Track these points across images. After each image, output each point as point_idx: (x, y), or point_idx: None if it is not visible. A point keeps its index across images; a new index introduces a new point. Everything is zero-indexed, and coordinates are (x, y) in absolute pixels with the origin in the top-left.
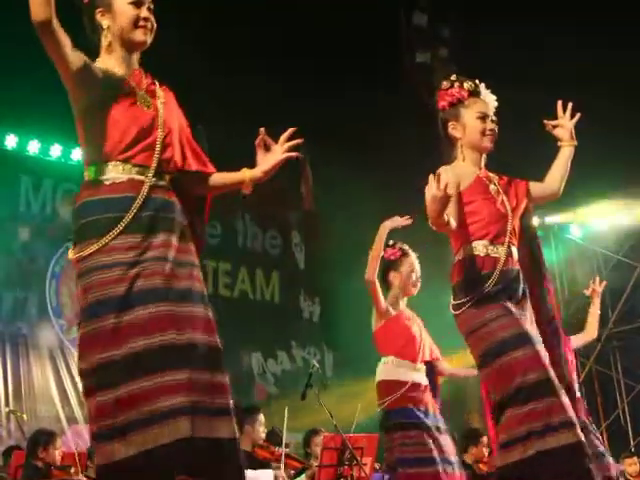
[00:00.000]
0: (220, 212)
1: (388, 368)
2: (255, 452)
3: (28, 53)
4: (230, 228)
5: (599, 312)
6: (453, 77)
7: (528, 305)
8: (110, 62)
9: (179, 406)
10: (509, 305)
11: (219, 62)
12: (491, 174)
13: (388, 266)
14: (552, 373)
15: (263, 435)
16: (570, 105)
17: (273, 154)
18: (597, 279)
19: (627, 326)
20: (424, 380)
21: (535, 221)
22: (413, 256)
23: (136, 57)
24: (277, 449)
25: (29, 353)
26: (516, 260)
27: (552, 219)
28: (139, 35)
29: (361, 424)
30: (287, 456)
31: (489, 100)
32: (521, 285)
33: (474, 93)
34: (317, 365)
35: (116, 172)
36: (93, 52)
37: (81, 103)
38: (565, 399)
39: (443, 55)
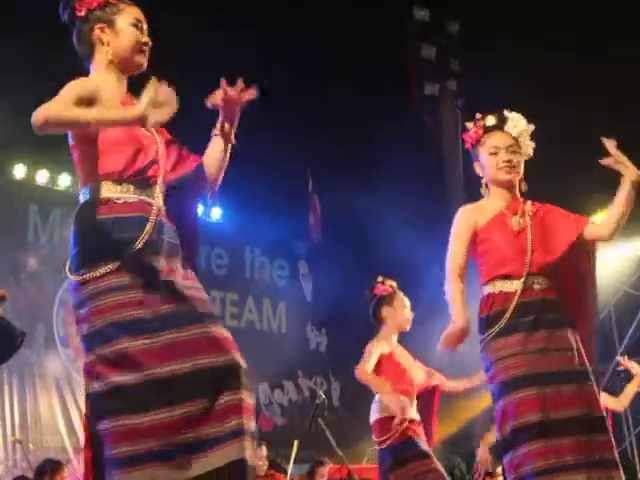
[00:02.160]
0: (227, 242)
1: (382, 406)
2: None
3: (37, 82)
4: (237, 258)
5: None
6: (478, 115)
7: (556, 334)
8: (110, 80)
9: (236, 428)
10: (527, 339)
11: None
12: (527, 205)
13: (380, 302)
14: (562, 414)
15: (264, 468)
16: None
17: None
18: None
19: (635, 358)
20: (417, 415)
21: None
22: (402, 294)
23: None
24: (282, 476)
25: (35, 382)
26: (541, 290)
27: None
28: (140, 58)
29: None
30: None
31: (512, 129)
32: (549, 315)
33: (491, 128)
34: (324, 396)
35: (126, 192)
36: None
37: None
38: (582, 438)
39: (452, 88)
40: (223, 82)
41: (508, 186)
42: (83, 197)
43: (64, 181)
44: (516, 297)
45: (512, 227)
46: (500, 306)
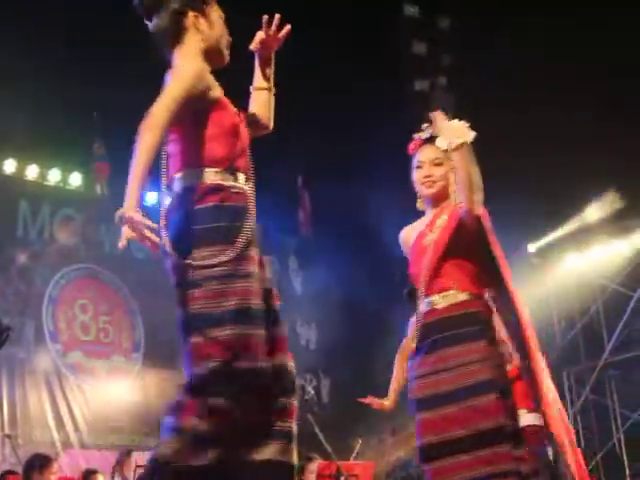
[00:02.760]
0: None
1: None
2: None
3: (27, 79)
4: None
5: None
6: (424, 126)
7: (448, 353)
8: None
9: (287, 431)
10: (424, 361)
11: None
12: (440, 220)
13: None
14: (459, 432)
15: None
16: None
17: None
18: None
19: (623, 355)
20: None
21: (532, 248)
22: None
23: None
24: None
25: (25, 377)
26: (444, 308)
27: (548, 246)
28: (227, 54)
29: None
30: None
31: (442, 142)
32: (447, 333)
33: (427, 141)
34: (312, 392)
35: (229, 180)
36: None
37: (199, 103)
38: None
39: (442, 84)
40: (265, 19)
41: (432, 200)
42: (187, 181)
43: (54, 176)
44: (422, 318)
45: (425, 245)
46: (417, 325)
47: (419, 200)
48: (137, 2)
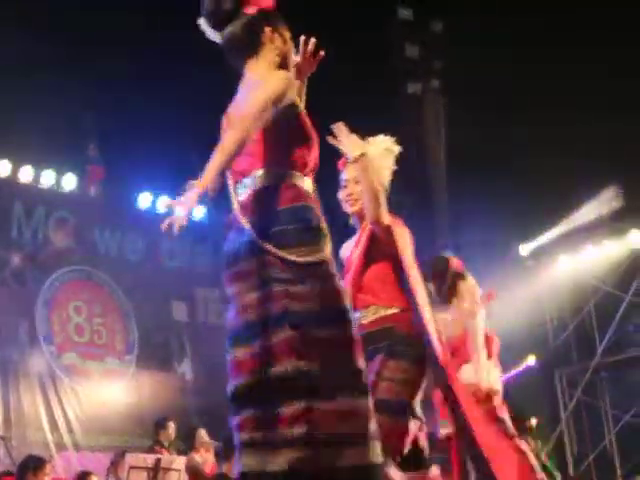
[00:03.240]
0: (211, 239)
1: None
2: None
3: (24, 80)
4: (221, 256)
5: None
6: None
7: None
8: None
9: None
10: None
11: None
12: (363, 237)
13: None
14: None
15: None
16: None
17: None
18: None
19: (615, 357)
20: None
21: (524, 250)
22: None
23: None
24: None
25: (19, 379)
26: (369, 323)
27: (541, 248)
28: (293, 72)
29: None
30: None
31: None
32: (370, 348)
33: (349, 161)
34: None
35: (308, 183)
36: None
37: (287, 109)
38: None
39: (435, 87)
40: (302, 40)
41: (358, 218)
42: (269, 180)
43: (48, 179)
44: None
45: (352, 262)
46: None
47: (350, 218)
48: (212, 10)
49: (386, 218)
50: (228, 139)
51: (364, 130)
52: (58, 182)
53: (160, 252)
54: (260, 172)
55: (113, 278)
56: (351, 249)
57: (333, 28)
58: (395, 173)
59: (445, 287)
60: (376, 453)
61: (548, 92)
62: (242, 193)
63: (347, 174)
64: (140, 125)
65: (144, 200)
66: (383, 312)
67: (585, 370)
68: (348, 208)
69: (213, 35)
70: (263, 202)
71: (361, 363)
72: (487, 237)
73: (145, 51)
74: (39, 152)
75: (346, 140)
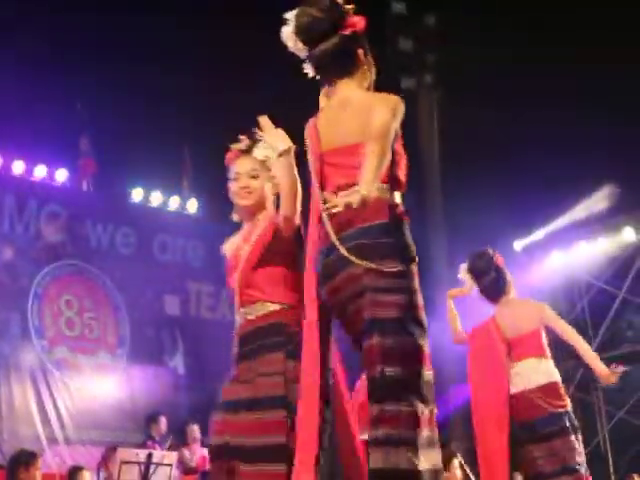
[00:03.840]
0: (204, 234)
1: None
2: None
3: (12, 74)
4: (214, 250)
5: None
6: (241, 137)
7: (254, 363)
8: None
9: None
10: (238, 373)
11: None
12: (256, 230)
13: (504, 271)
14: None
15: None
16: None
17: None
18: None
19: (609, 353)
20: None
21: (518, 245)
22: None
23: None
24: None
25: (10, 373)
26: (256, 318)
27: (534, 244)
28: None
29: None
30: None
31: (259, 153)
32: (255, 344)
33: (243, 152)
34: None
35: (400, 202)
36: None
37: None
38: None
39: (428, 81)
40: None
41: (247, 212)
42: (386, 195)
43: (40, 172)
44: (238, 330)
45: (237, 257)
46: (235, 337)
47: (235, 212)
48: (307, 27)
49: (297, 216)
50: (377, 159)
51: None
52: (50, 176)
53: (152, 246)
54: (388, 189)
55: (105, 272)
56: (237, 245)
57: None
58: None
59: (497, 281)
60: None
61: (543, 87)
62: (341, 203)
63: (240, 167)
64: (132, 119)
65: (137, 194)
66: (272, 308)
67: (579, 366)
68: (240, 201)
69: (296, 46)
70: (363, 216)
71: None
72: (481, 233)
73: (141, 46)
74: (31, 146)
75: (271, 133)
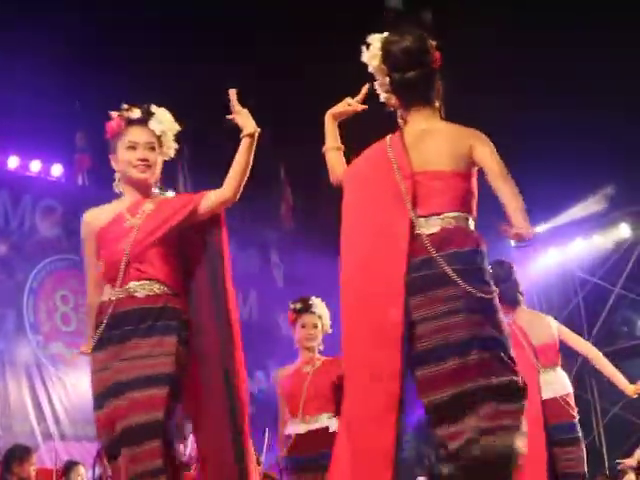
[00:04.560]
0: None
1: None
2: None
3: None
4: None
5: None
6: (124, 106)
7: (142, 343)
8: None
9: None
10: (109, 356)
11: None
12: (147, 204)
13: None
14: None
15: None
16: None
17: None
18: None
19: (603, 349)
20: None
21: (513, 243)
22: (315, 307)
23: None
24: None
25: (5, 368)
26: (137, 298)
27: (530, 241)
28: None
29: None
30: (265, 476)
31: (156, 126)
32: (134, 326)
33: (135, 121)
34: None
35: None
36: None
37: None
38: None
39: None
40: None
41: (140, 185)
42: (463, 222)
43: (36, 167)
44: (114, 305)
45: (126, 229)
46: (104, 314)
47: (117, 182)
48: (400, 52)
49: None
50: (516, 195)
51: (354, 120)
52: (45, 171)
53: None
54: (452, 214)
55: None
56: (117, 215)
57: (319, 16)
58: None
59: (514, 290)
60: None
61: (542, 85)
62: (428, 226)
63: (137, 136)
64: None
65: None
66: (164, 289)
67: (574, 362)
68: (136, 173)
69: (378, 69)
70: (453, 240)
71: None
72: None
73: (140, 45)
74: (26, 140)
75: (241, 112)
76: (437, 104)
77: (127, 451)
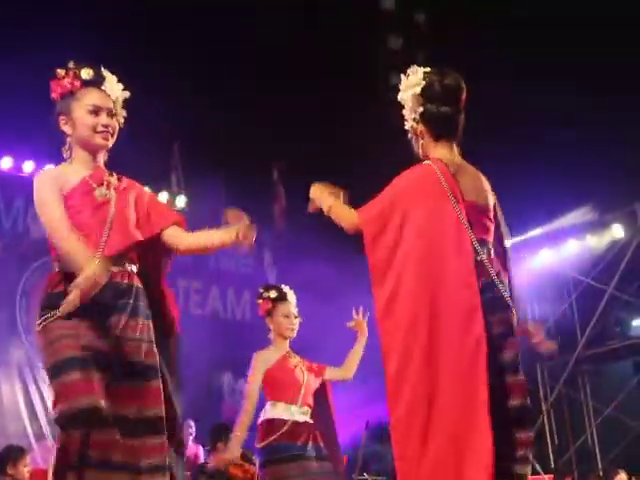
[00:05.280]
0: (192, 231)
1: (268, 409)
2: (228, 470)
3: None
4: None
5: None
6: (71, 64)
7: (130, 323)
8: None
9: None
10: (88, 324)
11: None
12: (113, 178)
13: (264, 316)
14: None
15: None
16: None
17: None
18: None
19: (596, 349)
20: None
21: (507, 243)
22: (289, 296)
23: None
24: (251, 467)
25: None
26: (117, 273)
27: (522, 241)
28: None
29: None
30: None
31: (110, 91)
32: (121, 301)
33: (90, 83)
34: None
35: None
36: None
37: None
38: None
39: None
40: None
41: (99, 153)
42: (497, 251)
43: (28, 168)
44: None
45: (96, 198)
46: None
47: (69, 146)
48: (451, 87)
49: None
50: None
51: (347, 121)
52: (38, 172)
53: None
54: (490, 245)
55: None
56: (83, 180)
57: (314, 18)
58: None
59: None
60: None
61: (533, 85)
62: (481, 252)
63: (100, 101)
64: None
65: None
66: (135, 270)
67: (566, 363)
68: (99, 140)
69: (416, 100)
70: (503, 271)
71: None
72: None
73: (139, 44)
74: (19, 142)
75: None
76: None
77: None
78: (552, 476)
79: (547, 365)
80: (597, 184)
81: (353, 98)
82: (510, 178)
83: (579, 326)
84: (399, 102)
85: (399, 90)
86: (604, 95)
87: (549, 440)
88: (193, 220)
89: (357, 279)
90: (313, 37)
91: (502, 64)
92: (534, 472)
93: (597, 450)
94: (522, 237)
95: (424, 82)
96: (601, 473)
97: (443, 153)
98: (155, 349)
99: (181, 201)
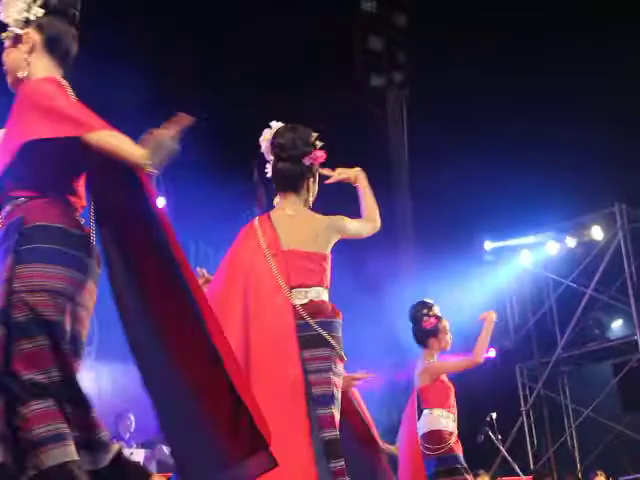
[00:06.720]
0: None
1: (434, 419)
2: None
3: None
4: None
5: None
6: None
7: None
8: None
9: None
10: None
11: None
12: None
13: (427, 334)
14: None
15: None
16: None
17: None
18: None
19: (576, 351)
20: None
21: (487, 245)
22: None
23: None
24: None
25: None
26: None
27: (502, 244)
28: None
29: None
30: None
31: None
32: None
33: None
34: None
35: None
36: None
37: None
38: None
39: (398, 79)
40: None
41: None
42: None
43: None
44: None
45: None
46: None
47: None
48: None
49: None
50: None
51: (328, 123)
52: None
53: None
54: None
55: None
56: None
57: (296, 20)
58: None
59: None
60: None
61: (513, 86)
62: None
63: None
64: (120, 113)
65: None
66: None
67: (546, 364)
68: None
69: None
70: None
71: None
72: (450, 231)
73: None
74: None
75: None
76: (305, 195)
77: None
78: (531, 477)
79: (526, 366)
80: (576, 185)
81: (334, 98)
82: (490, 181)
83: (558, 328)
84: (380, 102)
85: (380, 91)
86: (590, 95)
87: (528, 441)
88: (171, 222)
89: (345, 278)
90: (295, 39)
91: (483, 63)
92: (513, 473)
93: (576, 451)
94: (503, 242)
95: (271, 137)
96: (580, 474)
97: (282, 204)
98: None
99: (159, 203)
